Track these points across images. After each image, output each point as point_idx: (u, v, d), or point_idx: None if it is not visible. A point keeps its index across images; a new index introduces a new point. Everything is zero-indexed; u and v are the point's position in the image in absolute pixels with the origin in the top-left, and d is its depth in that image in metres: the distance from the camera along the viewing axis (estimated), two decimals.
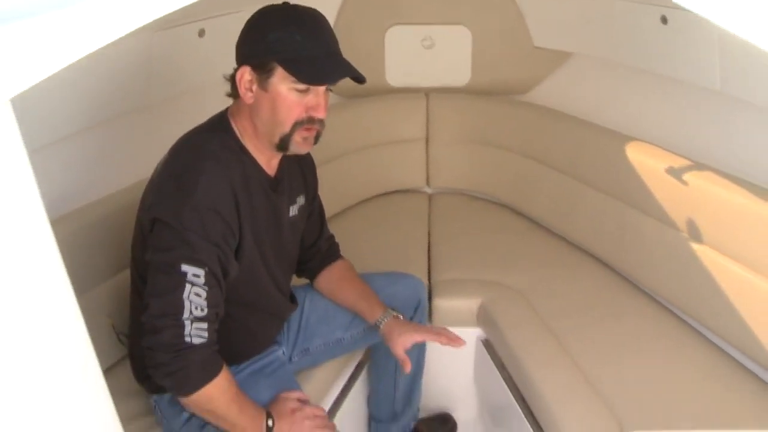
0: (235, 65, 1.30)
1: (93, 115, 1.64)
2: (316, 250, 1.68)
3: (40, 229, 0.68)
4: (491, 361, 1.96)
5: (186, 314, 1.20)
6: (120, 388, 1.48)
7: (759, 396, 1.54)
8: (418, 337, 1.56)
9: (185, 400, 1.27)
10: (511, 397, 1.79)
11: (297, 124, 1.29)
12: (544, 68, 2.57)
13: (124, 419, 0.87)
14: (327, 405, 1.77)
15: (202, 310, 1.21)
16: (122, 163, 1.77)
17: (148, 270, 1.25)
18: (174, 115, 1.89)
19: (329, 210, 2.21)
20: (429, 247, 2.40)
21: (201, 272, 1.21)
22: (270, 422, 1.32)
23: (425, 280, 2.14)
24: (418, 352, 1.81)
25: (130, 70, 1.70)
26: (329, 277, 1.68)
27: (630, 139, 1.99)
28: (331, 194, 2.44)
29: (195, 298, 1.20)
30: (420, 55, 2.64)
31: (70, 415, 0.75)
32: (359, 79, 1.27)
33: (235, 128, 1.34)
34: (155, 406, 1.43)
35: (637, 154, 1.93)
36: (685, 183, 1.70)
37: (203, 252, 1.22)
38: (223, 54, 1.35)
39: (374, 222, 2.56)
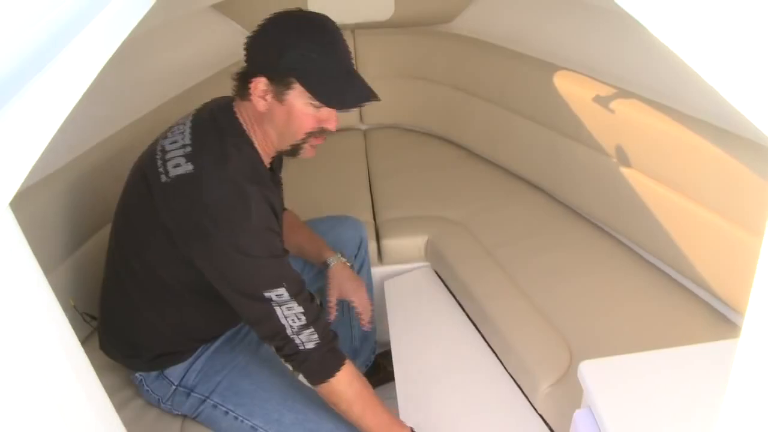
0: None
1: None
2: None
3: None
4: (443, 292, 2.05)
5: (289, 331, 1.26)
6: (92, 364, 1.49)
7: (689, 308, 1.67)
8: (353, 298, 1.69)
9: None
10: (465, 325, 1.90)
11: (309, 135, 1.31)
12: None
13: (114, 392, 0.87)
14: None
15: (299, 319, 1.26)
16: (71, 134, 1.67)
17: (231, 297, 1.27)
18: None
19: None
20: (370, 185, 2.44)
21: (282, 290, 1.24)
22: None
23: (371, 220, 2.20)
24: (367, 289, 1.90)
25: None
26: None
27: (556, 68, 2.05)
28: None
29: (289, 313, 1.25)
30: None
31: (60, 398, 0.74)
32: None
33: (247, 131, 1.32)
34: (142, 383, 1.47)
35: (564, 83, 1.99)
36: (612, 111, 1.78)
37: (275, 271, 1.26)
38: None
39: (314, 164, 2.56)
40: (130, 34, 0.79)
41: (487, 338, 1.80)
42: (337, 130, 2.86)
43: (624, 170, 1.80)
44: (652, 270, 1.82)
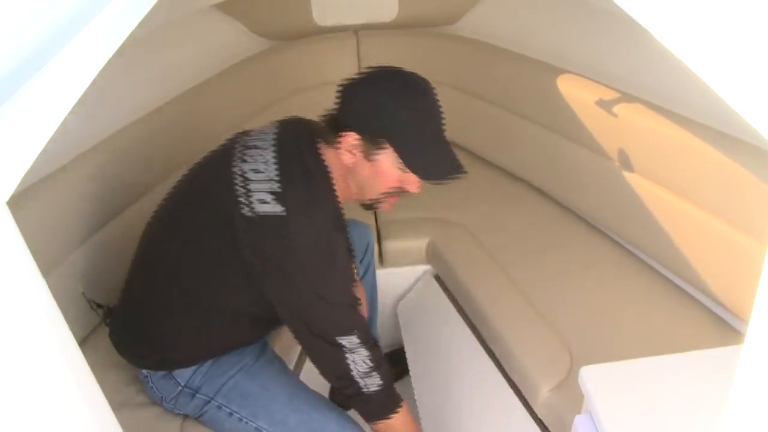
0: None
1: None
2: None
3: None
4: (442, 296, 2.05)
5: (354, 373, 1.30)
6: (97, 360, 1.51)
7: (691, 314, 1.67)
8: None
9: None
10: (465, 329, 1.89)
11: (389, 192, 1.33)
12: None
13: (109, 391, 0.87)
14: (296, 349, 1.83)
15: (366, 363, 1.30)
16: (84, 126, 1.68)
17: (301, 335, 1.31)
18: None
19: None
20: None
21: (354, 337, 1.28)
22: None
23: (372, 222, 2.20)
24: (371, 292, 1.91)
25: None
26: None
27: (560, 71, 2.04)
28: None
29: (357, 358, 1.29)
30: None
31: (54, 398, 0.72)
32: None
33: (331, 177, 1.32)
34: (147, 379, 1.46)
35: (567, 87, 1.98)
36: (615, 115, 1.77)
37: (350, 318, 1.30)
38: None
39: None
40: (133, 34, 0.78)
41: (487, 341, 1.79)
42: None
43: (627, 174, 1.79)
44: (654, 275, 1.81)
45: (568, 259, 1.92)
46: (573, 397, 1.24)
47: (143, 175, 1.81)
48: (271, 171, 1.25)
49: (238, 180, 1.25)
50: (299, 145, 1.32)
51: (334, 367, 1.31)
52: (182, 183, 1.44)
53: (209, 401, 1.42)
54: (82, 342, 1.63)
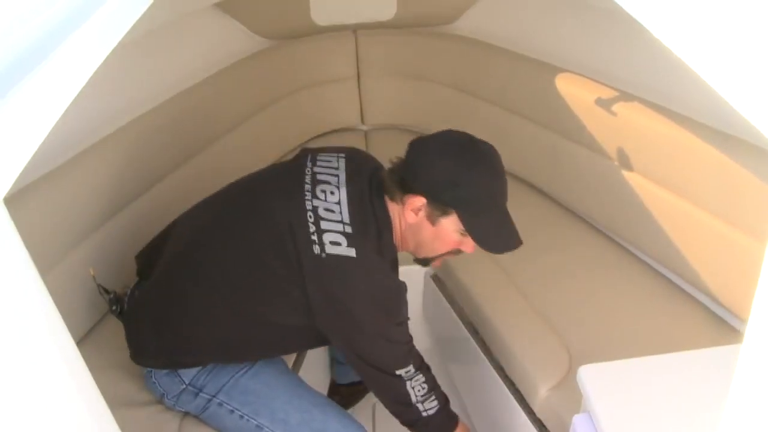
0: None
1: None
2: None
3: None
4: (441, 296, 2.05)
5: (413, 399, 1.37)
6: (102, 354, 1.53)
7: (690, 313, 1.67)
8: None
9: None
10: (464, 329, 1.89)
11: (445, 253, 1.40)
12: None
13: (111, 388, 0.85)
14: None
15: (423, 387, 1.38)
16: (97, 118, 1.69)
17: (360, 368, 1.36)
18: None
19: (270, 156, 2.17)
20: None
21: (410, 367, 1.35)
22: None
23: None
24: None
25: None
26: None
27: (558, 70, 2.04)
28: (268, 140, 2.40)
29: (415, 384, 1.37)
30: None
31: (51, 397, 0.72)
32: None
33: (394, 229, 1.37)
34: (150, 375, 1.46)
35: (566, 86, 1.98)
36: (614, 114, 1.77)
37: (407, 353, 1.37)
38: None
39: None
40: (132, 32, 0.78)
41: (486, 340, 1.79)
42: (338, 130, 2.88)
43: (625, 173, 1.79)
44: (653, 274, 1.81)
45: (566, 258, 1.91)
46: (572, 397, 1.24)
47: (143, 171, 1.82)
48: (344, 213, 1.29)
49: (311, 217, 1.28)
50: (371, 192, 1.36)
51: (393, 394, 1.38)
52: (238, 196, 1.44)
53: (211, 399, 1.42)
54: (89, 332, 1.64)
